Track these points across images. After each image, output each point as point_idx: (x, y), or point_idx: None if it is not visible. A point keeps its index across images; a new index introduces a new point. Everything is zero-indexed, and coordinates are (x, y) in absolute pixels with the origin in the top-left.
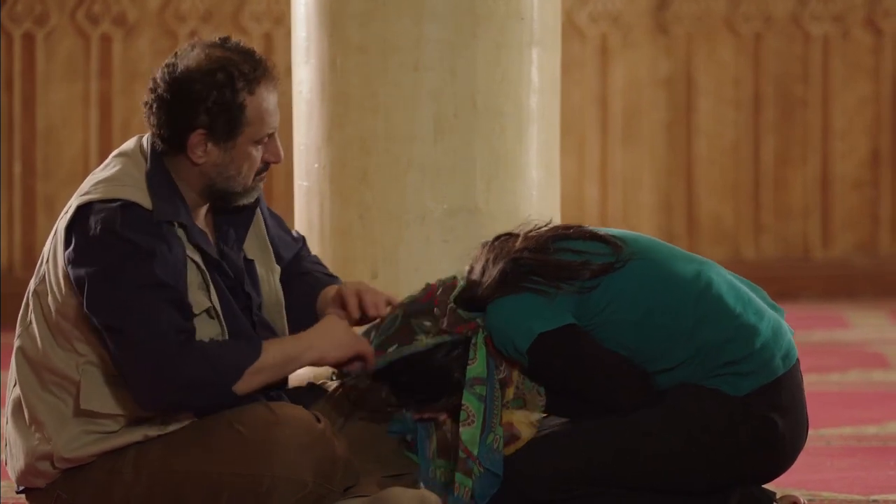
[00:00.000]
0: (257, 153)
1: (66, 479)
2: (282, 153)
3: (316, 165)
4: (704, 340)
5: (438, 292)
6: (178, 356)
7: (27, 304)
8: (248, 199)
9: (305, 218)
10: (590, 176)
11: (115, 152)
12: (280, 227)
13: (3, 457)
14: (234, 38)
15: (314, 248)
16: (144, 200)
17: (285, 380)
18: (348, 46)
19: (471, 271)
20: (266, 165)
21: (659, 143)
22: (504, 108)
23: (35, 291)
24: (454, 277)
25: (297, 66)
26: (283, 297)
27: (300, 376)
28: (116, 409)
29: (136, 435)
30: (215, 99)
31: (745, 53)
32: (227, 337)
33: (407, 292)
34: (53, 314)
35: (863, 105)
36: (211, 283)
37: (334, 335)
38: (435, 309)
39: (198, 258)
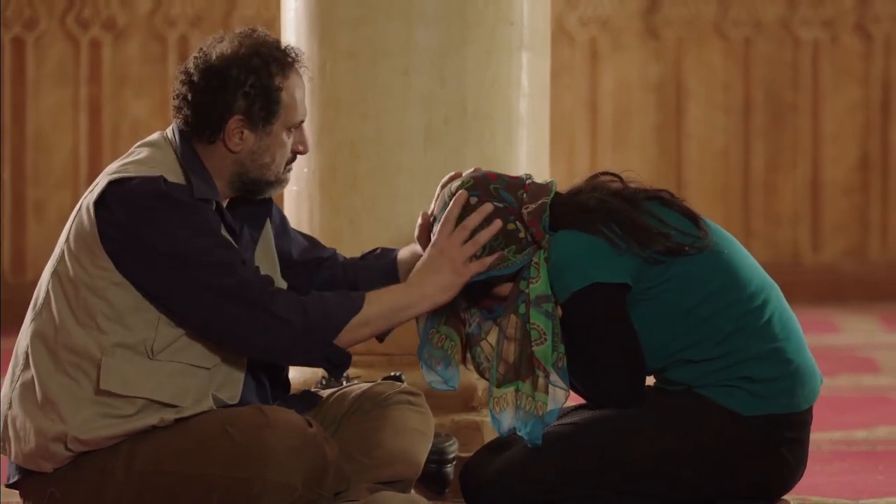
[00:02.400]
0: (289, 141)
1: (60, 477)
2: (310, 144)
3: (306, 170)
4: (735, 347)
5: (529, 181)
6: (271, 306)
7: (42, 289)
8: (277, 190)
9: (295, 223)
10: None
11: (137, 144)
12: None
13: None
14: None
15: None
16: (179, 180)
17: (286, 386)
18: (338, 52)
19: (567, 190)
20: (294, 156)
21: (649, 147)
22: (494, 112)
23: (55, 272)
24: (552, 182)
25: None
26: None
27: (291, 382)
28: (135, 392)
29: (153, 418)
30: (253, 83)
31: (735, 58)
32: None
33: None
34: (78, 291)
35: (853, 110)
36: None
37: (440, 279)
38: (525, 195)
39: (230, 240)
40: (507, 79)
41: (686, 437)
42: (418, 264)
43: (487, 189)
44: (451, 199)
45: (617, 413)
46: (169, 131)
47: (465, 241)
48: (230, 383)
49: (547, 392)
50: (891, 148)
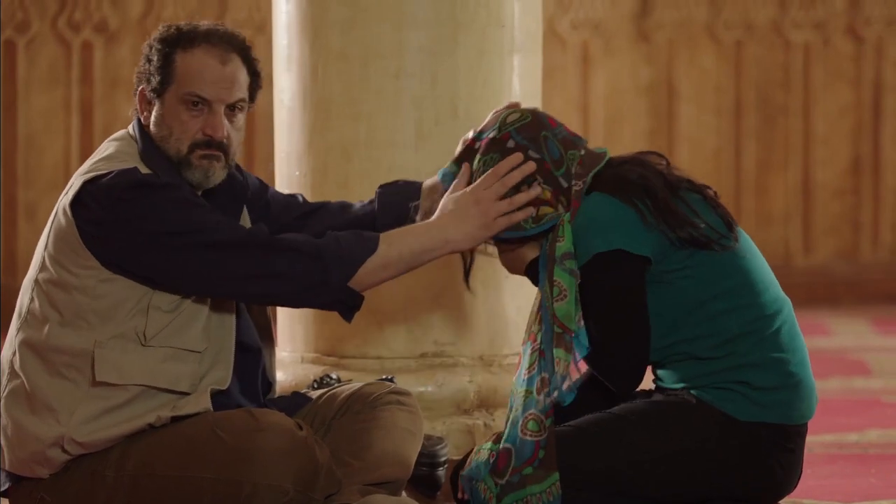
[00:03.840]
0: (189, 117)
1: (50, 481)
2: (220, 130)
3: (297, 173)
4: (739, 350)
5: (583, 152)
6: (280, 249)
7: (25, 298)
8: (192, 176)
9: None
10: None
11: (107, 140)
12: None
13: None
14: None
15: None
16: (147, 171)
17: (271, 388)
18: (329, 54)
19: (616, 157)
20: (208, 141)
21: (640, 149)
22: (485, 114)
23: (36, 281)
24: (606, 151)
25: (278, 74)
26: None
27: (282, 385)
28: (130, 380)
29: (150, 417)
30: (154, 51)
31: (727, 61)
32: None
33: (387, 301)
34: (67, 292)
35: (844, 112)
36: None
37: (467, 227)
38: (577, 167)
39: None
40: (498, 81)
41: (680, 438)
42: (446, 204)
43: (537, 135)
44: (499, 129)
45: (612, 414)
46: (131, 126)
47: (503, 197)
48: (220, 365)
49: (569, 350)
50: (882, 150)
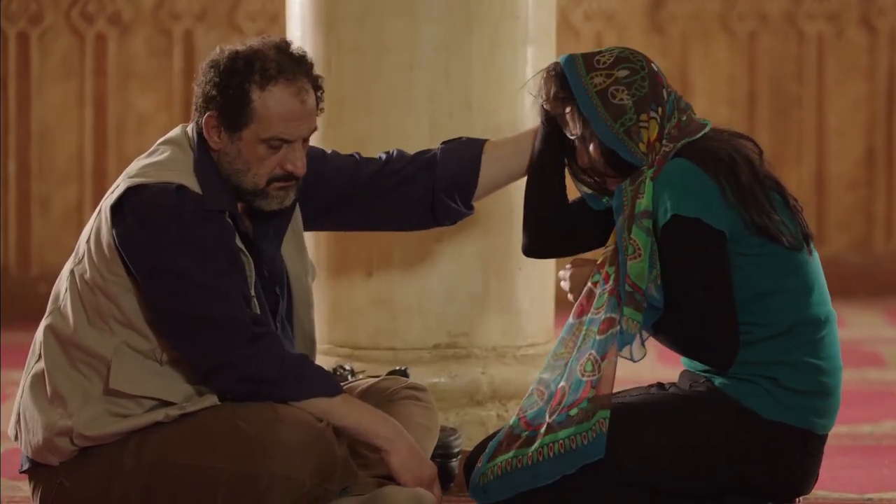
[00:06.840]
0: (268, 154)
1: (69, 467)
2: (301, 166)
3: None
4: (780, 347)
5: (686, 117)
6: (250, 349)
7: (62, 285)
8: (268, 205)
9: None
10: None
11: (160, 140)
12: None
13: (11, 432)
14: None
15: (309, 248)
16: (195, 187)
17: None
18: (343, 46)
19: (714, 131)
20: (288, 175)
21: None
22: (499, 107)
23: (72, 271)
24: (708, 124)
25: None
26: (313, 299)
27: None
28: (144, 393)
29: (158, 414)
30: (227, 83)
31: (740, 52)
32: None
33: (401, 293)
34: (93, 293)
35: (857, 104)
36: (254, 274)
37: (414, 460)
38: (675, 130)
39: (244, 248)
40: (511, 73)
41: (685, 432)
42: (405, 436)
43: (656, 89)
44: (631, 56)
45: (622, 404)
46: (190, 128)
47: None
48: None
49: (639, 309)
50: None
